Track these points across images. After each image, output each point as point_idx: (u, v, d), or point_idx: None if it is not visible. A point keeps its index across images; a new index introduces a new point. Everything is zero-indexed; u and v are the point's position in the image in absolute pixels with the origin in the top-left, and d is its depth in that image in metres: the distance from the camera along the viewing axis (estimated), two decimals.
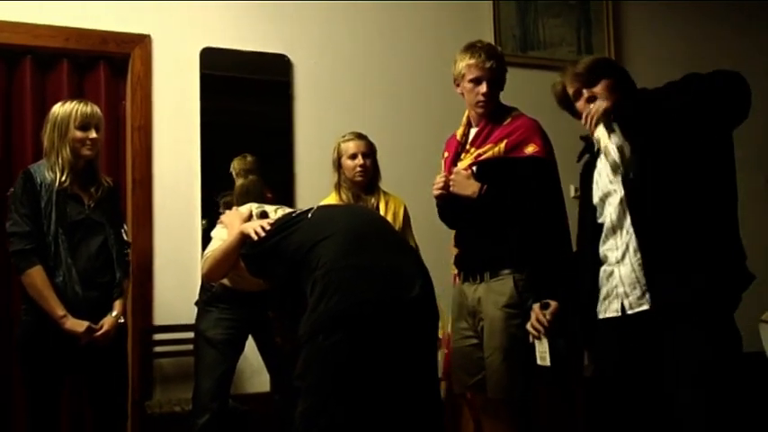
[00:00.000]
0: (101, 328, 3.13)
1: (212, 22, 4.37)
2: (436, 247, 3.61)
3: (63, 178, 3.12)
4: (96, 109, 3.25)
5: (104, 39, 4.12)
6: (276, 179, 4.30)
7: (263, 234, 2.78)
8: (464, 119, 3.17)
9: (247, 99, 4.45)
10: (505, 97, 3.17)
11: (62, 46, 4.04)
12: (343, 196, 3.58)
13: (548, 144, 3.01)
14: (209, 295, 3.43)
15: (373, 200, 3.58)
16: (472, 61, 3.00)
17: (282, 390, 3.48)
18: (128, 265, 3.35)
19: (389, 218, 3.48)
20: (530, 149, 2.94)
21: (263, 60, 4.45)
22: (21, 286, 3.15)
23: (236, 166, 4.22)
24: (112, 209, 3.32)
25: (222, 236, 3.11)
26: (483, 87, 3.00)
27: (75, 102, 3.24)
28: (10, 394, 3.89)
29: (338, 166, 3.62)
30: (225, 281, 3.31)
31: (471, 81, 3.02)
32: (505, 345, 2.88)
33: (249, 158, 4.25)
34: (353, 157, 3.57)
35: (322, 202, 3.39)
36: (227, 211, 3.26)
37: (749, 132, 5.10)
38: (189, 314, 3.66)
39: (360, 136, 3.63)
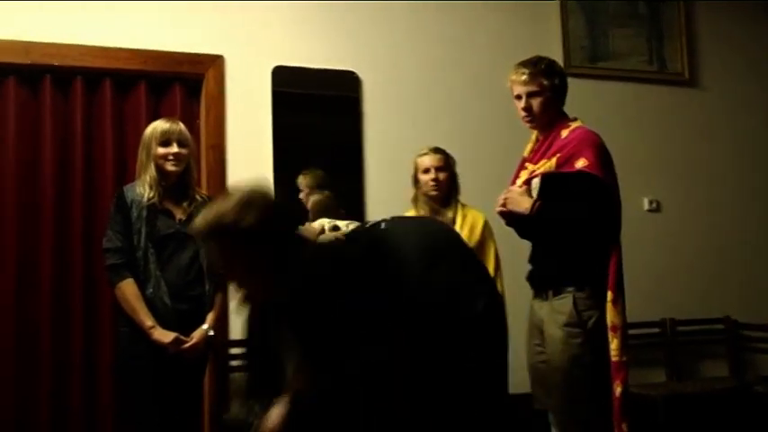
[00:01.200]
0: (190, 340, 3.19)
1: (283, 41, 4.45)
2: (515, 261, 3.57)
3: (152, 194, 3.21)
4: (177, 125, 3.33)
5: (179, 60, 4.24)
6: (346, 194, 4.35)
7: None
8: (533, 134, 3.15)
9: (318, 115, 4.51)
10: (574, 109, 3.13)
11: (139, 68, 4.17)
12: (421, 210, 3.61)
13: (602, 157, 2.89)
14: None
15: (450, 213, 3.57)
16: (513, 77, 3.02)
17: None
18: (221, 278, 3.30)
19: (466, 231, 3.47)
20: (580, 164, 2.84)
21: (332, 77, 4.52)
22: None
23: (305, 180, 4.27)
24: None
25: None
26: (522, 103, 3.00)
27: (159, 121, 3.36)
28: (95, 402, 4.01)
29: (415, 180, 3.65)
30: None
31: (515, 97, 3.03)
32: (565, 365, 2.84)
33: (319, 173, 4.29)
34: (427, 171, 3.60)
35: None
36: (301, 227, 3.29)
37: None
38: None
39: (436, 150, 3.65)
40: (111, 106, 4.16)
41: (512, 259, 3.47)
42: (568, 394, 2.85)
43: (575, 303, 2.85)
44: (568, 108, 3.15)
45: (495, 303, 2.52)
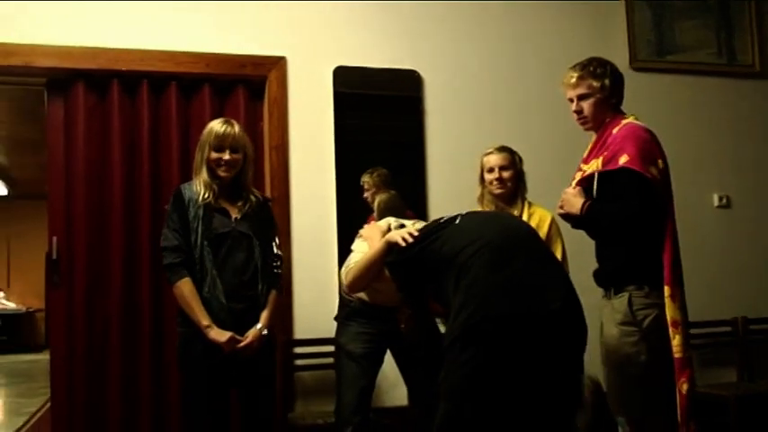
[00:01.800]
0: (244, 339, 3.19)
1: (344, 41, 4.47)
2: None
3: (206, 194, 3.22)
4: (232, 128, 3.27)
5: (242, 63, 4.28)
6: (408, 193, 4.30)
7: (410, 241, 2.80)
8: (593, 135, 3.12)
9: (380, 115, 4.51)
10: (641, 104, 3.11)
11: (203, 71, 4.22)
12: (486, 209, 3.58)
13: (644, 151, 2.81)
14: (348, 310, 3.47)
15: (516, 212, 3.55)
16: (564, 81, 3.05)
17: (420, 403, 3.48)
18: (275, 277, 3.36)
19: None
20: (622, 160, 2.80)
21: (394, 77, 4.52)
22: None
23: (370, 180, 4.25)
24: (261, 222, 3.33)
25: (362, 249, 3.13)
26: (573, 105, 3.02)
27: (216, 121, 3.32)
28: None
29: (481, 178, 3.63)
30: (363, 295, 3.33)
31: (568, 100, 3.05)
32: (619, 363, 2.82)
33: (384, 172, 4.25)
34: (491, 170, 3.58)
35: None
36: (367, 225, 3.30)
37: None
38: (327, 328, 3.72)
39: (501, 149, 3.62)
40: (177, 109, 4.23)
41: (579, 258, 3.41)
42: (624, 394, 2.83)
43: (630, 302, 2.81)
44: (634, 104, 3.10)
45: (574, 298, 2.50)
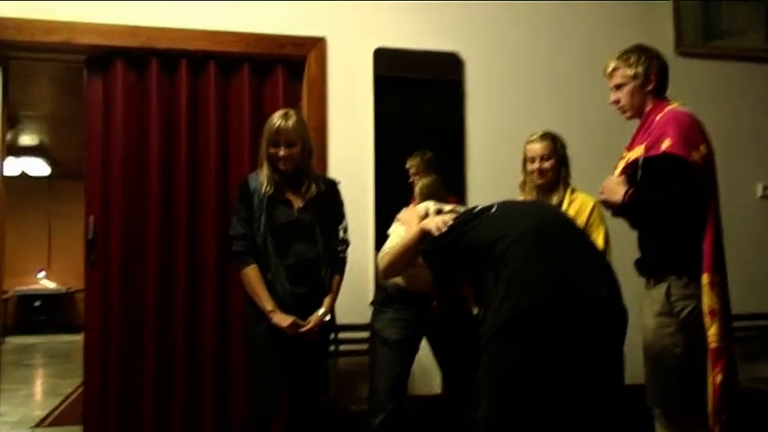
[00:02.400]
0: (306, 323, 3.29)
1: (385, 22, 4.41)
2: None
3: (268, 187, 3.32)
4: (287, 122, 3.31)
5: (282, 43, 4.24)
6: (448, 177, 4.23)
7: (444, 229, 2.76)
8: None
9: (420, 98, 4.44)
10: (686, 90, 3.05)
11: (243, 50, 4.19)
12: (528, 196, 3.55)
13: (687, 135, 2.76)
14: (385, 296, 3.44)
15: (557, 198, 3.49)
16: (603, 70, 3.07)
17: (454, 391, 3.45)
18: (339, 262, 3.46)
19: (571, 215, 3.39)
20: (665, 145, 2.74)
21: (434, 59, 4.45)
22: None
23: (414, 163, 4.22)
24: (325, 208, 3.42)
25: (400, 233, 3.11)
26: (611, 95, 3.04)
27: (276, 114, 3.37)
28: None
29: (524, 165, 3.59)
30: (399, 281, 3.31)
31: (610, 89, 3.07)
32: (655, 354, 2.78)
33: (428, 155, 4.23)
34: (533, 160, 3.53)
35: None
36: (405, 209, 3.27)
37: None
38: (363, 313, 3.70)
39: (543, 137, 3.56)
40: (215, 88, 4.20)
41: (622, 245, 3.34)
42: (660, 384, 2.79)
43: (668, 292, 2.77)
44: (679, 90, 3.04)
45: (616, 286, 2.46)
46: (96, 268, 4.07)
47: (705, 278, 2.71)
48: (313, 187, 3.39)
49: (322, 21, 4.32)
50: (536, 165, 3.53)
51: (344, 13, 4.36)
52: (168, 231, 4.10)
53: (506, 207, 2.72)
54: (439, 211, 3.10)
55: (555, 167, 3.53)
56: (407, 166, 4.24)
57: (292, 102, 4.27)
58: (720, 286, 2.74)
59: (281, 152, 3.30)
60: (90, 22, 3.97)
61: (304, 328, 3.28)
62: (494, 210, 2.69)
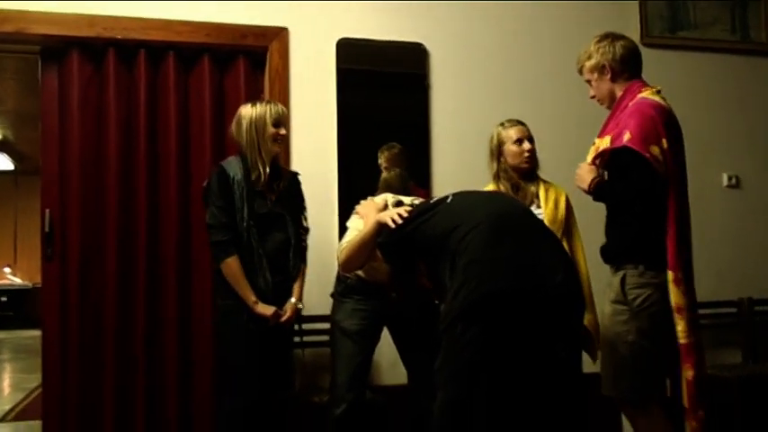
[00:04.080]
0: (284, 313, 3.38)
1: (348, 12, 4.35)
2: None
3: (254, 177, 3.35)
4: (284, 108, 3.52)
5: (243, 33, 4.17)
6: (413, 171, 4.22)
7: (400, 222, 2.74)
8: None
9: (384, 90, 4.40)
10: (654, 82, 3.01)
11: (203, 41, 4.12)
12: (501, 186, 3.45)
13: (646, 128, 2.73)
14: (345, 287, 3.43)
15: (533, 188, 3.45)
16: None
17: (420, 384, 3.42)
18: (304, 250, 3.57)
19: (551, 206, 3.38)
20: (625, 138, 2.74)
21: (399, 50, 4.40)
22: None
23: (382, 156, 4.22)
24: (292, 199, 3.53)
25: (358, 226, 3.08)
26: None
27: (264, 102, 3.49)
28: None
29: (498, 154, 3.49)
30: (360, 272, 3.29)
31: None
32: (609, 341, 2.84)
33: (395, 149, 4.24)
34: (519, 142, 3.45)
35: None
36: (363, 202, 3.24)
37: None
38: (325, 305, 3.67)
39: (520, 122, 3.52)
40: (175, 80, 4.12)
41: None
42: (613, 371, 2.83)
43: (623, 281, 2.81)
44: (645, 80, 3.02)
45: (573, 273, 2.44)
46: (53, 263, 3.99)
47: (670, 275, 2.73)
48: (284, 179, 3.47)
49: (284, 11, 4.25)
50: (525, 146, 3.45)
51: (307, 3, 4.30)
52: (128, 225, 4.03)
53: (462, 197, 2.70)
54: (398, 203, 3.07)
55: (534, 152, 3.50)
56: (379, 162, 4.21)
57: (255, 93, 4.21)
58: (686, 283, 2.76)
59: (282, 131, 3.44)
60: (43, 11, 3.88)
61: (284, 318, 3.37)
62: (449, 200, 2.67)
